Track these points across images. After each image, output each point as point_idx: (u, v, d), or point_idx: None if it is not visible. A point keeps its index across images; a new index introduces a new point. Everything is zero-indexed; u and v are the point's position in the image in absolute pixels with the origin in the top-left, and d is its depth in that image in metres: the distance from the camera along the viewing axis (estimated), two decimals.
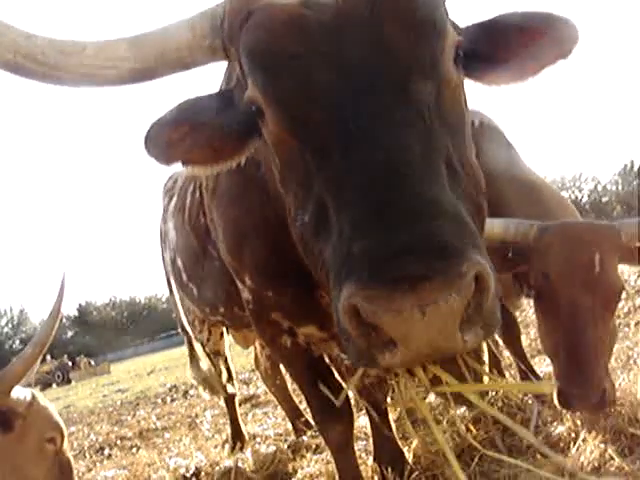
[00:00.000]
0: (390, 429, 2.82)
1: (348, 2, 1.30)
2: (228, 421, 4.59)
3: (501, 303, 1.24)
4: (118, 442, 6.31)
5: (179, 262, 3.25)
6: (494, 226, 2.18)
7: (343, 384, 2.64)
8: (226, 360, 4.40)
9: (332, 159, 1.25)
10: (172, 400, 9.38)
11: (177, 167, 1.58)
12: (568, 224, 2.31)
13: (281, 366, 4.29)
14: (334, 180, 1.25)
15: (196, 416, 6.78)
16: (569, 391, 2.03)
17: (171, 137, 1.49)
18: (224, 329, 4.20)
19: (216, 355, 4.36)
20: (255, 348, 4.58)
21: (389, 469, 2.63)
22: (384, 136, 1.21)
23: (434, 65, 1.32)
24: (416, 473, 2.65)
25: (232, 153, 1.56)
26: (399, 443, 2.84)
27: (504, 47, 1.48)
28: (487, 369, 4.00)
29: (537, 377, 3.55)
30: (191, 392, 9.57)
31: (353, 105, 1.23)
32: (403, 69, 1.27)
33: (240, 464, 3.55)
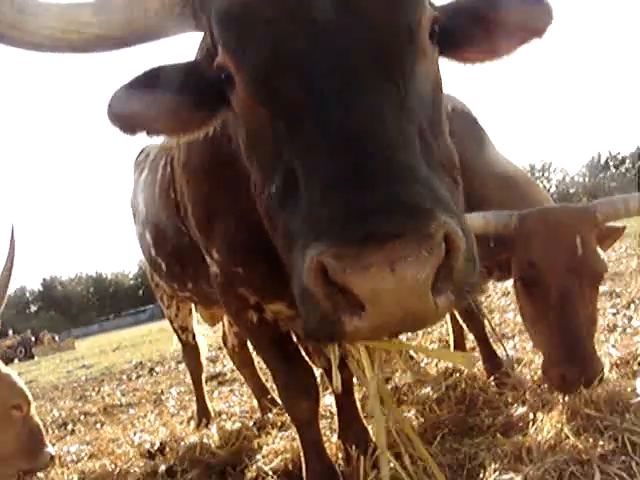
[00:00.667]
0: (354, 407, 2.86)
1: None
2: (194, 398, 4.59)
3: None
4: (82, 418, 6.23)
5: (148, 237, 3.20)
6: (473, 220, 2.18)
7: (309, 362, 2.66)
8: (194, 337, 4.39)
9: (303, 125, 1.24)
10: (137, 377, 9.29)
11: (141, 137, 1.51)
12: (546, 210, 2.34)
13: (248, 343, 4.30)
14: (304, 146, 1.23)
15: (161, 393, 6.75)
16: (570, 373, 2.08)
17: (135, 106, 1.45)
18: (192, 305, 4.18)
19: (184, 331, 4.35)
20: (223, 325, 4.57)
21: (353, 447, 2.67)
22: (356, 102, 1.20)
23: (411, 35, 1.31)
24: (379, 451, 2.69)
25: (199, 124, 1.53)
26: (364, 422, 2.88)
27: (479, 25, 1.49)
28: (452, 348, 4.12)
29: (498, 361, 3.65)
30: (157, 369, 9.53)
31: (326, 71, 1.22)
32: (379, 37, 1.26)
33: (205, 440, 3.56)
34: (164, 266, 3.08)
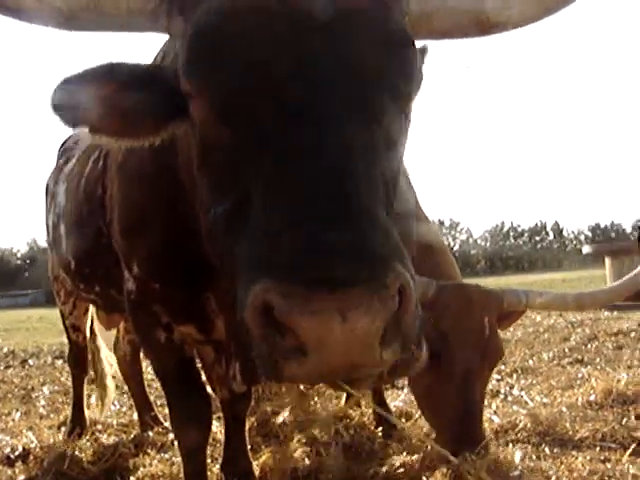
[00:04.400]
0: (243, 440, 2.81)
1: (315, 4, 1.25)
2: (68, 400, 4.28)
3: None
4: None
5: (62, 230, 3.00)
6: None
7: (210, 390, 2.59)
8: (85, 338, 4.13)
9: (268, 152, 1.19)
10: (7, 367, 8.55)
11: (82, 131, 1.43)
12: (462, 286, 2.40)
13: (141, 355, 4.11)
14: (266, 173, 1.18)
15: (32, 389, 6.24)
16: (460, 450, 2.13)
17: (82, 99, 1.35)
18: (90, 305, 3.95)
19: (76, 330, 4.06)
20: (118, 331, 4.35)
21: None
22: (328, 138, 1.17)
23: (395, 92, 1.32)
24: None
25: (148, 132, 1.45)
26: (249, 455, 2.82)
27: None
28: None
29: (388, 410, 3.73)
30: (30, 361, 8.85)
31: (303, 100, 1.19)
32: (363, 81, 1.26)
33: (77, 452, 3.33)
34: (73, 264, 2.89)
